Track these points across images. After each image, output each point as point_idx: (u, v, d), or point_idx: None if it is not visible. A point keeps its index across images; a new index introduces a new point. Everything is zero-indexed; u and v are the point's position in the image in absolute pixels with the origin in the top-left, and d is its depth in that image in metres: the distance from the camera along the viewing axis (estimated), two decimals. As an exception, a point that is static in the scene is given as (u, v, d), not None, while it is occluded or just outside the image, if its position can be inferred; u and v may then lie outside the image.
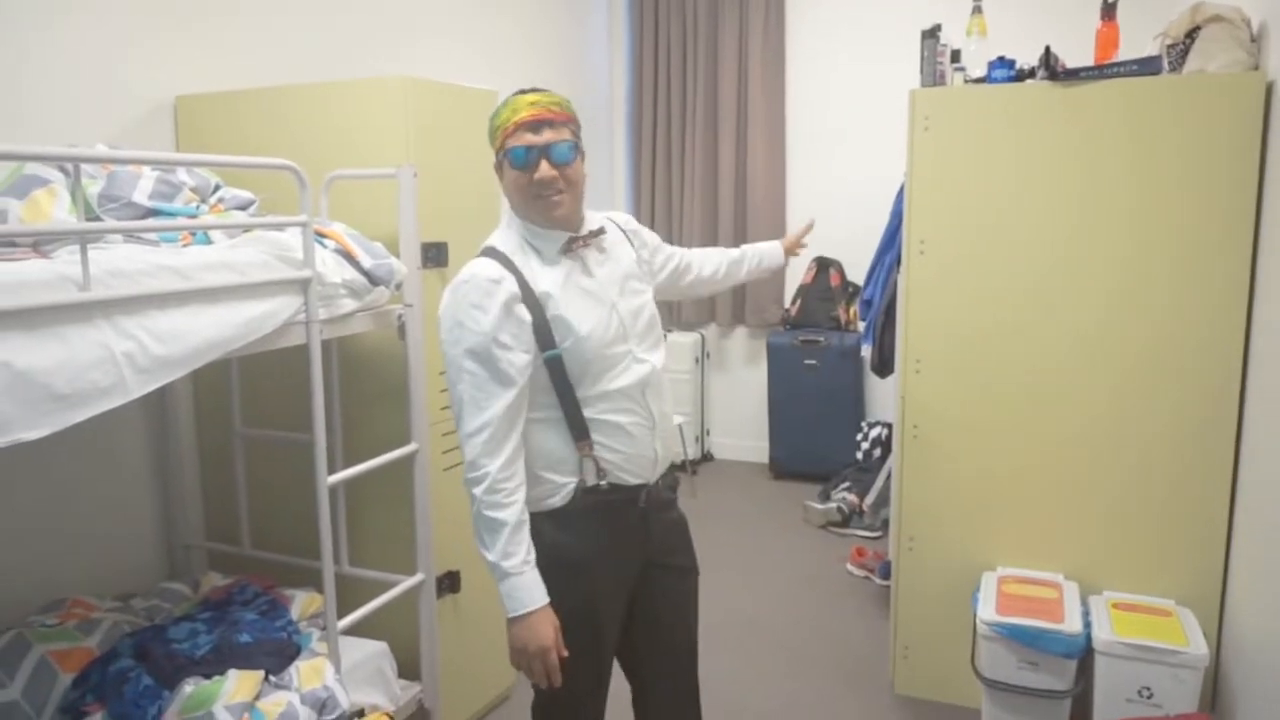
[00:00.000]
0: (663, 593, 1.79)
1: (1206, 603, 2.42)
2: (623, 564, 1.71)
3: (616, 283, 1.68)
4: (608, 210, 1.85)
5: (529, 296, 1.58)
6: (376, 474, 2.15)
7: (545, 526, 1.63)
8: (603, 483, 1.64)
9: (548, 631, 1.55)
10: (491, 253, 1.62)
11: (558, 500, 1.64)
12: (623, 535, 1.68)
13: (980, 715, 2.50)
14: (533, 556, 1.56)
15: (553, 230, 1.63)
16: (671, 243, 2.11)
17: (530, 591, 1.54)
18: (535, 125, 1.56)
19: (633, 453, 1.65)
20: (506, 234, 1.65)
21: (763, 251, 2.20)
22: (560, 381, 1.60)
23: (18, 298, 1.34)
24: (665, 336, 1.85)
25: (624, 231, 1.79)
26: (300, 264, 1.86)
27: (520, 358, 1.56)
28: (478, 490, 1.54)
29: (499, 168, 1.63)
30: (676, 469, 1.83)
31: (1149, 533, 2.48)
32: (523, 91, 1.60)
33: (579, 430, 1.62)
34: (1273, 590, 2.04)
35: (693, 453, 5.03)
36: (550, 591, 1.57)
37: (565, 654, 1.57)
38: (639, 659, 1.82)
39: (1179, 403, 2.42)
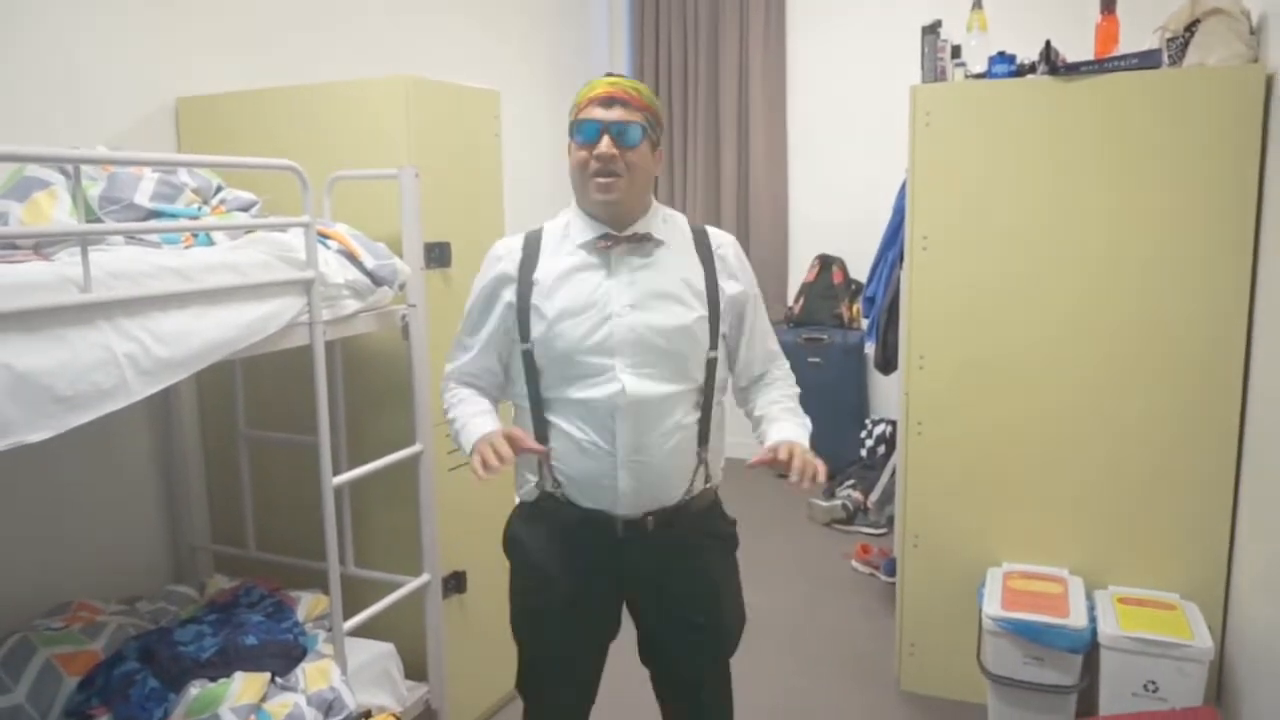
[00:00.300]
0: (673, 643, 1.71)
1: (1211, 596, 2.42)
2: (584, 584, 1.63)
3: (640, 296, 1.54)
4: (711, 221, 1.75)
5: (524, 278, 1.59)
6: (381, 475, 2.15)
7: (520, 514, 1.69)
8: (558, 493, 1.59)
9: (485, 437, 1.52)
10: (533, 230, 1.65)
11: (527, 495, 1.67)
12: (586, 554, 1.61)
13: (986, 711, 2.50)
14: (477, 412, 1.61)
15: (595, 221, 1.57)
16: None
17: (469, 431, 1.58)
18: (607, 101, 1.51)
19: (583, 475, 1.55)
20: (562, 214, 1.64)
21: (782, 416, 1.69)
22: (530, 374, 1.59)
23: (19, 300, 1.34)
24: (702, 378, 1.59)
25: (714, 253, 1.63)
26: (303, 265, 1.86)
27: (497, 328, 1.63)
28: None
29: (570, 148, 1.57)
30: (707, 523, 1.68)
31: (1153, 527, 2.48)
32: (608, 75, 1.58)
33: (540, 432, 1.58)
34: (1277, 583, 2.04)
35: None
36: (515, 585, 1.70)
37: (512, 441, 1.49)
38: (657, 684, 1.80)
39: (1183, 397, 2.41)
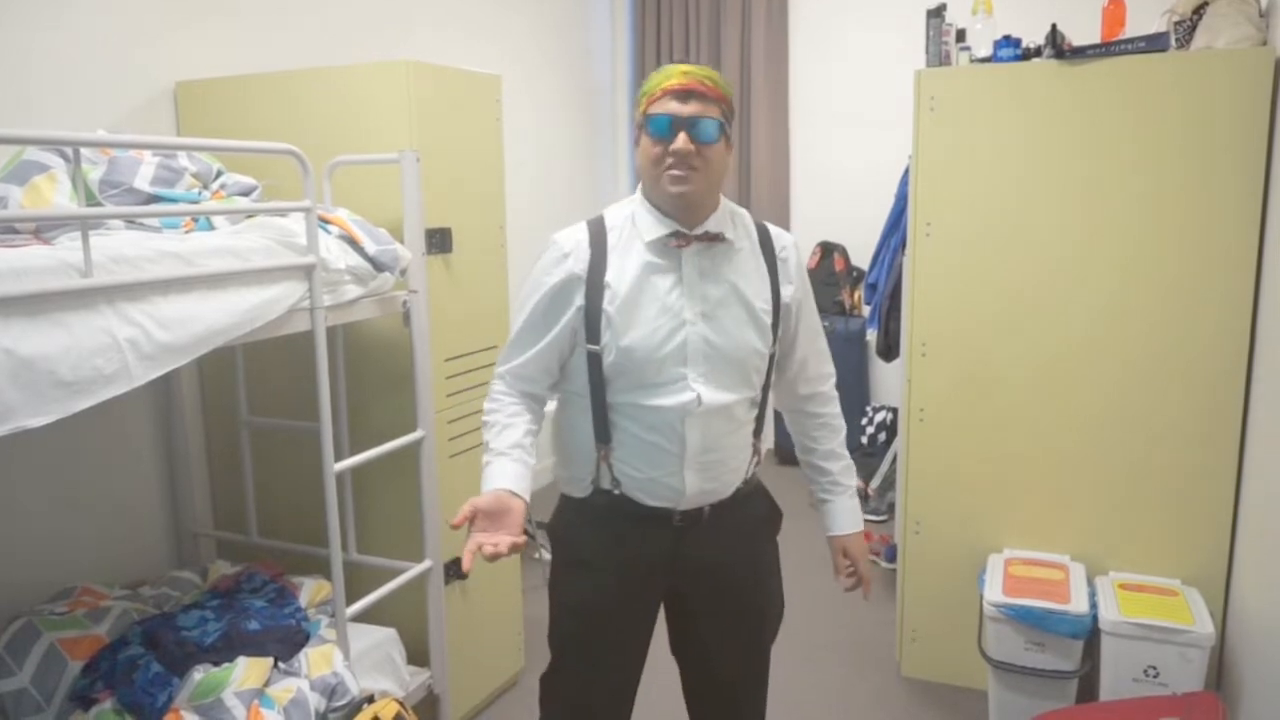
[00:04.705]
0: (716, 632, 1.67)
1: (1212, 582, 2.42)
2: (636, 577, 1.61)
3: (711, 305, 1.51)
4: (773, 222, 1.65)
5: (594, 280, 1.49)
6: (383, 461, 2.15)
7: (569, 509, 1.64)
8: (616, 491, 1.57)
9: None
10: (595, 220, 1.55)
11: (577, 491, 1.61)
12: (640, 546, 1.58)
13: (987, 696, 2.51)
14: (510, 447, 1.52)
15: (666, 217, 1.50)
16: None
17: (490, 479, 1.48)
18: (683, 94, 1.42)
19: (651, 476, 1.53)
20: (625, 204, 1.56)
21: (827, 496, 1.74)
22: (595, 376, 1.52)
23: (20, 284, 1.34)
24: (761, 381, 1.59)
25: (777, 255, 1.59)
26: (304, 250, 1.85)
27: (564, 330, 1.53)
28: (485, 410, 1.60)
29: (637, 139, 1.50)
30: (757, 505, 1.67)
31: (1155, 513, 2.48)
32: (680, 61, 1.51)
33: (602, 432, 1.54)
34: (1278, 568, 2.04)
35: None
36: (560, 580, 1.65)
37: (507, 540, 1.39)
38: (687, 685, 1.77)
39: (1185, 383, 2.41)
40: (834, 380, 1.74)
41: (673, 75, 1.45)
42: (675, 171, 1.44)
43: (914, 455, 2.71)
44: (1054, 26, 2.44)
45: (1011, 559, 2.57)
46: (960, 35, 2.64)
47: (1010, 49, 2.50)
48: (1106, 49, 2.39)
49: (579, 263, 1.51)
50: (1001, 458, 2.61)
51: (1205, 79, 2.29)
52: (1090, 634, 2.32)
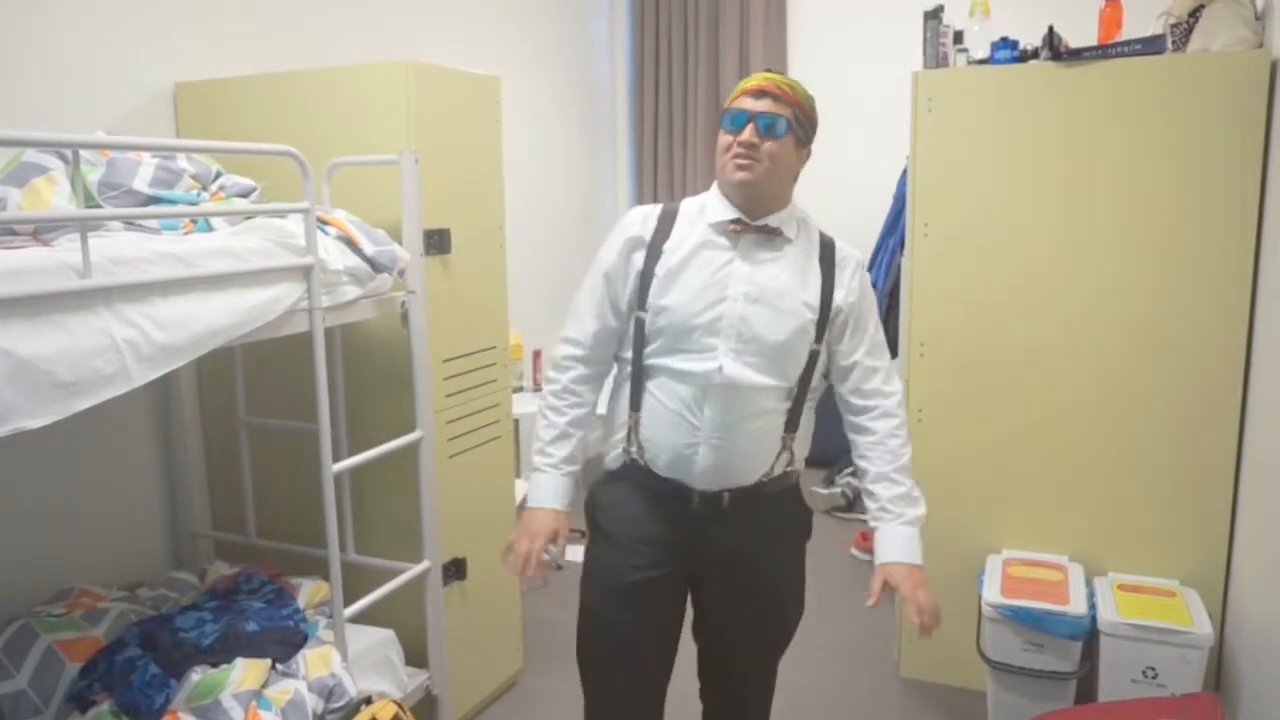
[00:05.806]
0: (728, 629, 1.73)
1: (1211, 583, 2.42)
2: (659, 550, 1.65)
3: (758, 290, 1.57)
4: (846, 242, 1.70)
5: (653, 247, 1.61)
6: (382, 462, 2.15)
7: (605, 482, 1.71)
8: (640, 459, 1.64)
9: (535, 528, 1.64)
10: (672, 203, 1.67)
11: (612, 463, 1.69)
12: (663, 522, 1.65)
13: (985, 697, 2.51)
14: (561, 461, 1.68)
15: (731, 206, 1.60)
16: None
17: (540, 490, 1.67)
18: (758, 94, 1.56)
19: (665, 444, 1.61)
20: (703, 195, 1.68)
21: (874, 523, 1.73)
22: (639, 339, 1.62)
23: (19, 286, 1.33)
24: (796, 374, 1.61)
25: (836, 264, 1.65)
26: (302, 251, 1.85)
27: (627, 291, 1.64)
28: (549, 390, 1.71)
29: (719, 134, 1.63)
30: (785, 505, 1.72)
31: (1153, 514, 2.48)
32: (766, 69, 1.61)
33: (635, 397, 1.63)
34: (1277, 570, 2.04)
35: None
36: (591, 553, 1.71)
37: (551, 559, 1.68)
38: (700, 666, 1.82)
39: (1183, 383, 2.41)
40: (896, 401, 1.70)
41: (753, 78, 1.59)
42: (740, 160, 1.55)
43: (913, 456, 2.70)
44: (1051, 28, 2.44)
45: (1010, 559, 2.57)
46: (958, 37, 2.65)
47: (1007, 51, 2.50)
48: (1103, 51, 2.40)
49: (645, 230, 1.64)
50: (1000, 458, 2.61)
51: (1201, 81, 2.30)
52: (1089, 635, 2.32)
